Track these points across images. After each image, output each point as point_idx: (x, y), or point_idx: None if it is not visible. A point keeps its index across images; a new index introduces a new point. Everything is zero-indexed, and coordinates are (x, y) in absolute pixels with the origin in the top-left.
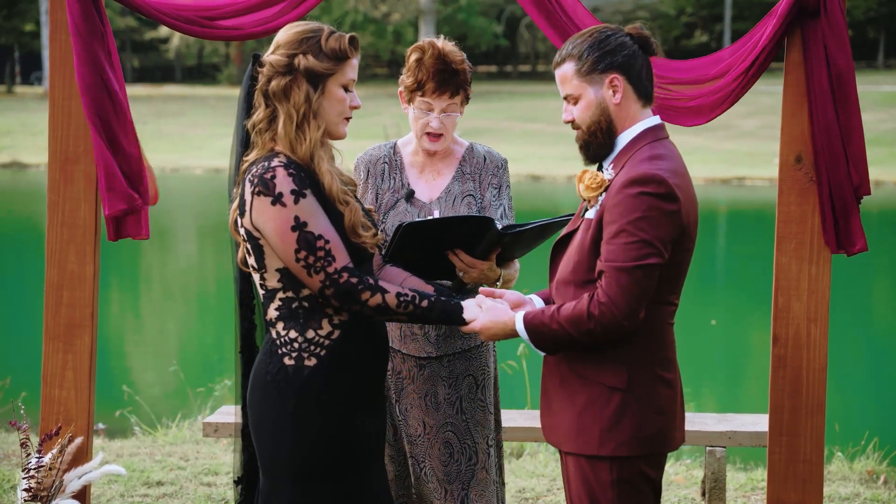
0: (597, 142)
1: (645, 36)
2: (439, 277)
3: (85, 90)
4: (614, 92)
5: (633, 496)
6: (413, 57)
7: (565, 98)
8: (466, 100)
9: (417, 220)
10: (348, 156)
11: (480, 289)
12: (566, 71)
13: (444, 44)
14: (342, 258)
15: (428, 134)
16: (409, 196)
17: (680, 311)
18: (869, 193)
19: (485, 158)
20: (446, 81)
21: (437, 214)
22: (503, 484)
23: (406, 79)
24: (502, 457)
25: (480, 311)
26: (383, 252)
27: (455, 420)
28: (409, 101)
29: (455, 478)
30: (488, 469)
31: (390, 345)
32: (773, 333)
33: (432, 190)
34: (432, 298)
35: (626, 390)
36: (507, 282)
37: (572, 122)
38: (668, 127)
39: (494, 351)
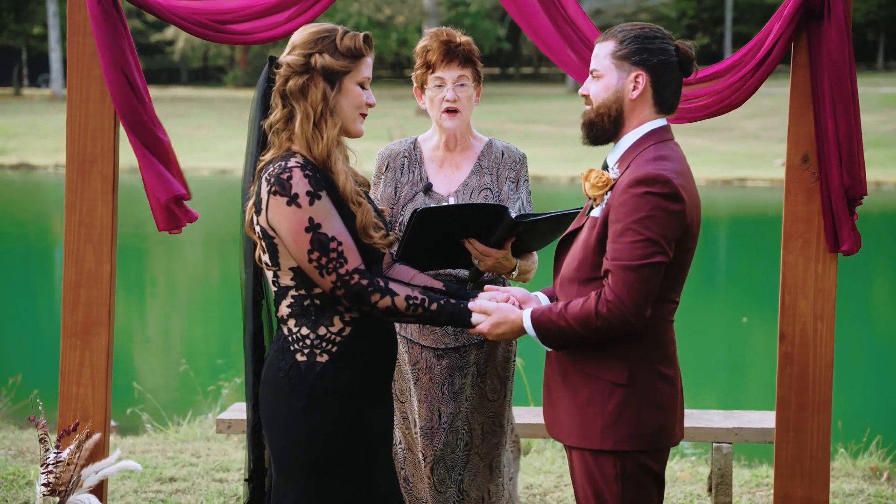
0: (601, 125)
1: (689, 56)
2: (455, 266)
3: (114, 92)
4: (634, 87)
5: (638, 489)
6: (420, 45)
7: (591, 71)
8: (478, 78)
9: (432, 205)
10: (360, 156)
11: (486, 286)
12: (603, 48)
13: (447, 29)
14: (354, 260)
15: (446, 111)
16: (427, 189)
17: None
18: (864, 194)
19: (503, 153)
20: (452, 52)
21: (452, 202)
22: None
23: (416, 68)
24: (501, 446)
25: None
26: (399, 240)
27: (462, 408)
28: (423, 85)
29: (455, 464)
30: (481, 455)
31: (409, 336)
32: (780, 331)
33: (450, 183)
34: (441, 301)
35: (627, 386)
36: (524, 273)
37: (587, 97)
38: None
39: (513, 343)
